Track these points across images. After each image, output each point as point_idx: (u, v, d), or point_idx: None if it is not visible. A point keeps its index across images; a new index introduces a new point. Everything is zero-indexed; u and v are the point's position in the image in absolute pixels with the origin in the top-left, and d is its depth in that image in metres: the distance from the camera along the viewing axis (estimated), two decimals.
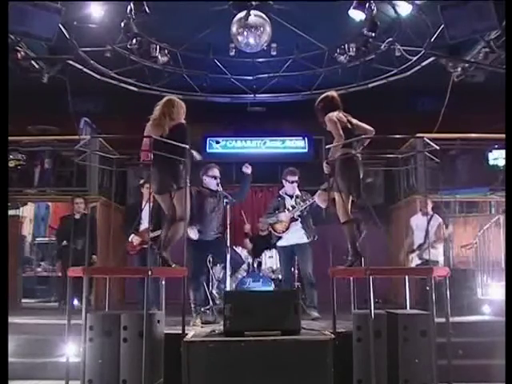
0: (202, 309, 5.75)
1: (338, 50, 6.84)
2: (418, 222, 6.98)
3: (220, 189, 6.00)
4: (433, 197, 7.12)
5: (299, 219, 6.13)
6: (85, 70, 6.53)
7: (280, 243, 6.29)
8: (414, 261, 6.75)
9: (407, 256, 6.89)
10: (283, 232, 6.21)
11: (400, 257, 7.04)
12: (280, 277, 7.00)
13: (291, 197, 6.26)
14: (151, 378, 4.10)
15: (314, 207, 6.08)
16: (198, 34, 6.53)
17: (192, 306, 5.67)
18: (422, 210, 6.61)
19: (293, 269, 6.75)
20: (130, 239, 6.31)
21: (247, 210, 8.94)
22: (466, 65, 6.30)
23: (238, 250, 7.53)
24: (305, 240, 6.10)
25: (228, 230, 5.97)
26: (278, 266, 7.22)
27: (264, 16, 6.07)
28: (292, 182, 6.23)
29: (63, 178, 7.80)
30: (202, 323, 5.56)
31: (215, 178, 5.96)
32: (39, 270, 9.76)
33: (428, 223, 6.44)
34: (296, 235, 6.13)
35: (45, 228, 10.37)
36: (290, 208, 6.20)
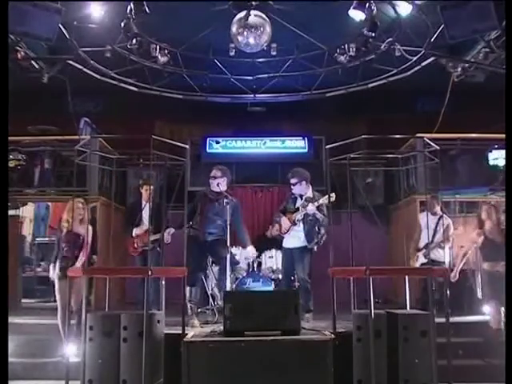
0: (199, 309, 5.72)
1: (338, 50, 6.82)
2: (425, 220, 6.93)
3: (220, 189, 6.00)
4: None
5: (299, 223, 6.08)
6: (85, 70, 6.52)
7: (283, 244, 6.34)
8: (420, 259, 6.71)
9: (414, 253, 6.81)
10: (284, 233, 6.23)
11: (401, 256, 7.01)
12: (280, 277, 7.01)
13: (301, 197, 6.22)
14: (151, 378, 4.10)
15: (313, 216, 6.00)
16: (198, 34, 6.53)
17: (188, 304, 5.63)
18: (431, 209, 6.58)
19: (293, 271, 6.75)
20: (133, 234, 6.45)
21: (247, 209, 8.93)
22: (466, 65, 6.29)
23: (238, 250, 7.51)
24: (303, 244, 6.06)
25: (228, 230, 5.96)
26: (279, 266, 7.23)
27: (264, 16, 6.05)
28: (294, 184, 6.21)
29: (63, 178, 7.78)
30: (202, 323, 5.55)
31: (215, 178, 6.04)
32: (39, 269, 9.74)
33: (437, 223, 6.41)
34: (295, 239, 6.12)
35: (45, 228, 10.35)
36: (299, 208, 6.14)
